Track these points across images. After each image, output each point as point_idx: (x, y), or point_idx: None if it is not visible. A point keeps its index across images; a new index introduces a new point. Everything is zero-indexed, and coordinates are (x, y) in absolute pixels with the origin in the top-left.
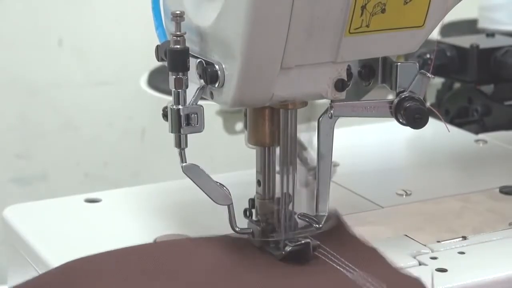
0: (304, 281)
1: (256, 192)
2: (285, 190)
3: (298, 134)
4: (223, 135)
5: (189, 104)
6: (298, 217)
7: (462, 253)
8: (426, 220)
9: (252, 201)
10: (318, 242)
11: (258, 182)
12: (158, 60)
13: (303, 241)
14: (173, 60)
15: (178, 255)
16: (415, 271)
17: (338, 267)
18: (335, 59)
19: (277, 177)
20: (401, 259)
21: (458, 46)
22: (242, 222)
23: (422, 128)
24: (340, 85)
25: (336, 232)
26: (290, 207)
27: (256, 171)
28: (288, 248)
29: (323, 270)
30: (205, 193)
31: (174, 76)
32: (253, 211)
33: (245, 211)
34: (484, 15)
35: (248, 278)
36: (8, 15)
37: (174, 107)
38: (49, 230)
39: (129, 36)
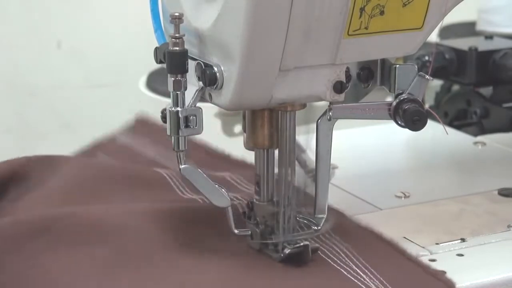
0: (308, 282)
1: (255, 194)
2: (283, 192)
3: (296, 137)
4: (221, 137)
5: (187, 106)
6: (297, 219)
7: (461, 255)
8: (425, 222)
9: (251, 203)
10: (318, 245)
11: (257, 184)
12: (157, 62)
13: (302, 243)
14: (172, 62)
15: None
16: None
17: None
18: (334, 61)
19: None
20: None
21: (457, 48)
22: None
23: (421, 130)
24: (338, 87)
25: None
26: (289, 209)
27: (255, 173)
28: (287, 251)
29: (325, 272)
30: (204, 195)
31: (172, 78)
32: (252, 213)
33: (243, 213)
34: (483, 18)
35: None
36: (7, 17)
37: (173, 109)
38: None
39: (127, 38)
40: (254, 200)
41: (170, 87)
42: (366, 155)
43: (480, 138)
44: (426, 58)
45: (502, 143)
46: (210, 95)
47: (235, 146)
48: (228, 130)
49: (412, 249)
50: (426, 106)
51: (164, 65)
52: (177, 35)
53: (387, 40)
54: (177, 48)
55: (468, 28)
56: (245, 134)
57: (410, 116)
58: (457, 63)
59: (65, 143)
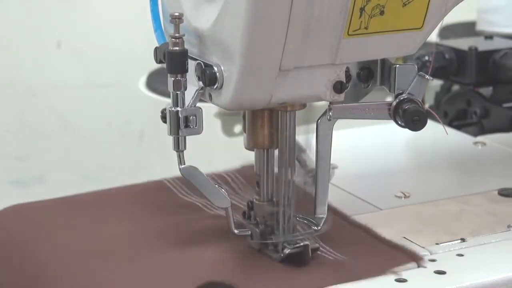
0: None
1: (255, 194)
2: (283, 192)
3: (296, 137)
4: (221, 137)
5: (187, 106)
6: (296, 219)
7: (461, 255)
8: (425, 223)
9: (251, 203)
10: (317, 245)
11: (257, 184)
12: (157, 62)
13: (302, 244)
14: (172, 62)
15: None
16: (414, 274)
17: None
18: (334, 61)
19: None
20: None
21: (457, 48)
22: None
23: (421, 130)
24: (338, 87)
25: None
26: (289, 209)
27: (255, 173)
28: (287, 251)
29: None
30: (204, 195)
31: (172, 78)
32: (252, 213)
33: (243, 213)
34: (482, 18)
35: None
36: (7, 17)
37: (173, 109)
38: None
39: (127, 38)
40: (254, 200)
41: (170, 87)
42: (366, 155)
43: (480, 138)
44: (426, 58)
45: (502, 143)
46: (210, 95)
47: (235, 146)
48: (228, 130)
49: (412, 249)
50: (426, 106)
51: (164, 65)
52: (177, 35)
53: (387, 40)
54: (177, 48)
55: (468, 28)
56: (245, 134)
57: (410, 116)
58: (457, 63)
59: (65, 143)
